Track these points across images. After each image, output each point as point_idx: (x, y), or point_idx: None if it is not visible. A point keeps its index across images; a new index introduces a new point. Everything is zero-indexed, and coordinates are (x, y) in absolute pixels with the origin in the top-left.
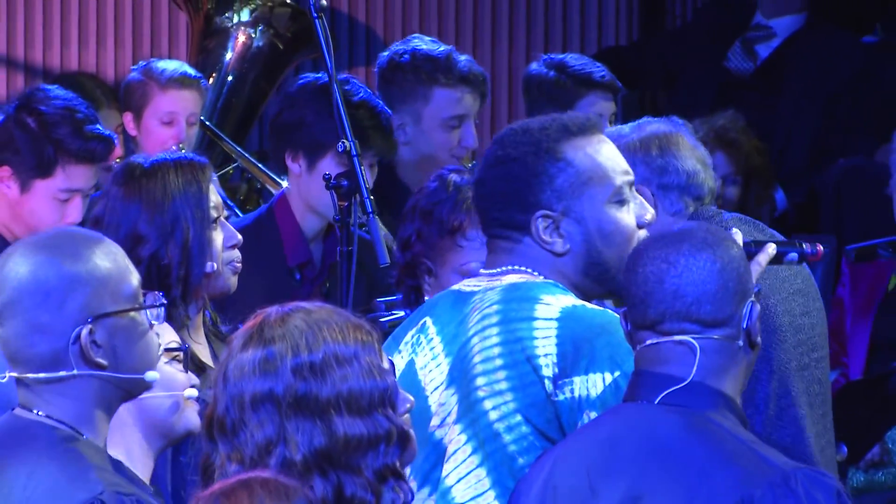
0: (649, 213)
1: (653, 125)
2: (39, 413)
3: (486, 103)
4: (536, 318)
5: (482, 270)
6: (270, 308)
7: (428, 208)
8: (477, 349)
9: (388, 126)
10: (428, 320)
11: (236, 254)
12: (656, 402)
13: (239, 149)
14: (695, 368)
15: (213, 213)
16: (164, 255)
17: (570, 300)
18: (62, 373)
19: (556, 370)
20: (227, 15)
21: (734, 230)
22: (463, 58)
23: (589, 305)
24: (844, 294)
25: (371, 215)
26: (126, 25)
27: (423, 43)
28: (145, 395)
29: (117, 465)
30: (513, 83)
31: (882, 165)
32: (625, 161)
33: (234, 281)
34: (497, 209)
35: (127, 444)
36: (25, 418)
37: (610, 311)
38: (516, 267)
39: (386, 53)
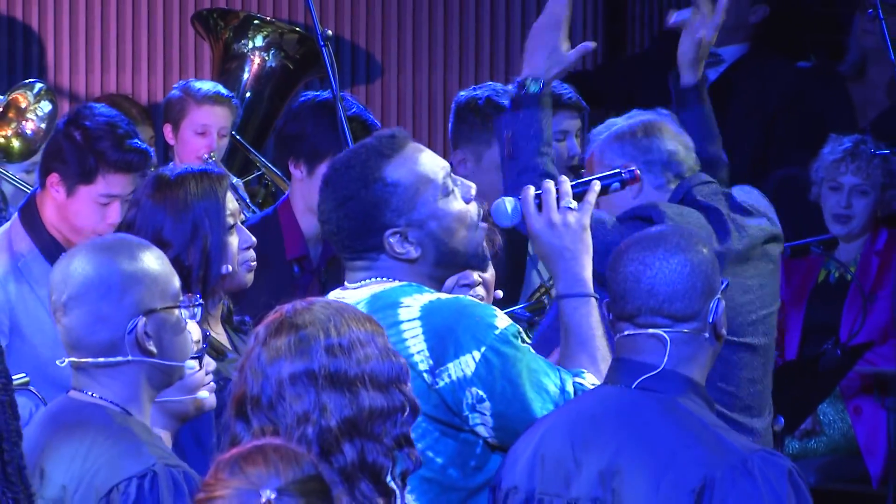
0: (473, 188)
1: (641, 115)
2: (94, 395)
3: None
4: (401, 322)
5: (347, 284)
6: (288, 304)
7: None
8: None
9: None
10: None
11: (250, 254)
12: (633, 386)
13: (263, 158)
14: (666, 358)
15: (230, 220)
16: (186, 259)
17: (426, 297)
18: (119, 358)
19: (431, 363)
20: (243, 41)
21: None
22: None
23: (444, 296)
24: (780, 285)
25: None
26: (157, 52)
27: (498, 93)
28: (166, 398)
29: (161, 441)
30: None
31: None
32: (438, 157)
33: (249, 278)
34: (349, 241)
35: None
36: (81, 400)
37: (463, 296)
38: (375, 279)
39: (464, 94)
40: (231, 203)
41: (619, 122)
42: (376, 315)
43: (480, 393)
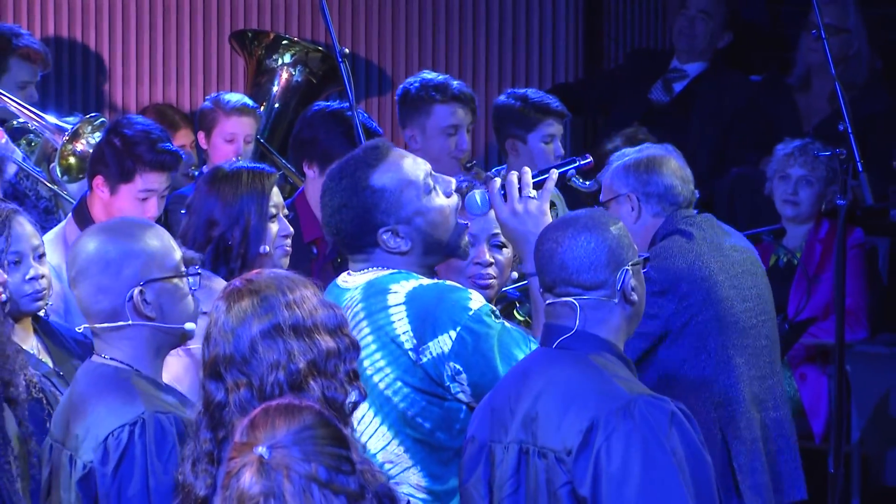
0: (453, 183)
1: (650, 150)
2: (106, 357)
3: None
4: (390, 307)
5: (351, 271)
6: (236, 279)
7: None
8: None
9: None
10: None
11: (287, 241)
12: (554, 346)
13: (283, 160)
14: (577, 321)
15: (273, 210)
16: (230, 237)
17: (412, 283)
18: (120, 322)
19: (415, 342)
20: (273, 58)
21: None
22: (456, 83)
23: (426, 282)
24: None
25: None
26: (198, 67)
27: (428, 74)
28: (193, 345)
29: (169, 390)
30: (488, 110)
31: (764, 173)
32: (419, 159)
33: (283, 261)
34: (348, 241)
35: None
36: (97, 362)
37: (443, 281)
38: (371, 267)
39: (401, 86)
40: (276, 196)
41: (630, 153)
42: (369, 300)
43: (458, 367)
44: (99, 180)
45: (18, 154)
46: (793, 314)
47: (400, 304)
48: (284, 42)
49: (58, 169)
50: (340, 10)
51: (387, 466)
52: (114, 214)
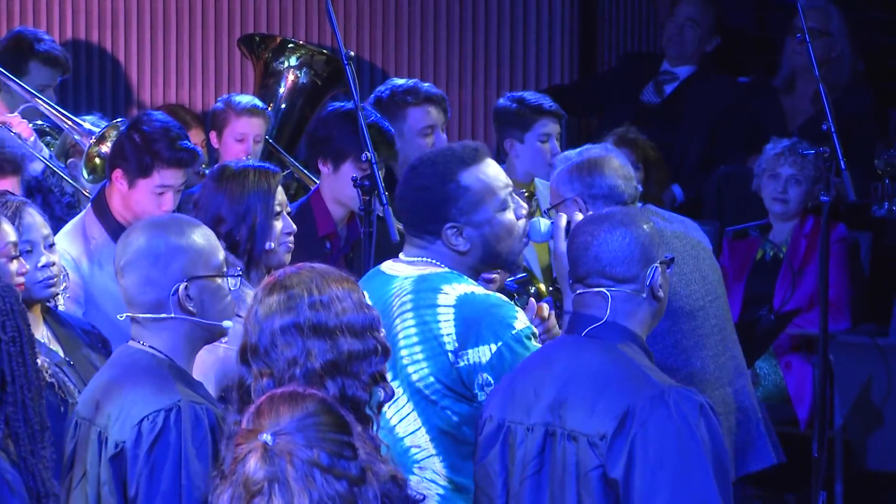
0: (524, 208)
1: (590, 151)
2: (144, 344)
3: (464, 123)
4: (439, 306)
5: (402, 257)
6: (281, 269)
7: None
8: (399, 329)
9: (391, 140)
10: (364, 294)
11: (290, 238)
12: (583, 334)
13: (291, 158)
14: (608, 312)
15: (277, 208)
16: (237, 234)
17: (464, 288)
18: (163, 315)
19: (456, 345)
20: (280, 60)
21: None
22: (426, 84)
23: (479, 291)
24: (725, 262)
25: (385, 206)
26: (209, 69)
27: (397, 80)
28: (223, 343)
29: (197, 385)
30: (487, 111)
31: (751, 170)
32: (505, 175)
33: (286, 257)
34: (416, 221)
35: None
36: (134, 347)
37: (495, 294)
38: (427, 259)
39: (373, 94)
40: (280, 195)
41: (572, 156)
42: (419, 294)
43: (489, 379)
44: (118, 173)
45: (46, 152)
46: (778, 306)
47: (449, 305)
48: (290, 45)
49: (84, 169)
50: (346, 14)
51: (413, 451)
52: (131, 207)
